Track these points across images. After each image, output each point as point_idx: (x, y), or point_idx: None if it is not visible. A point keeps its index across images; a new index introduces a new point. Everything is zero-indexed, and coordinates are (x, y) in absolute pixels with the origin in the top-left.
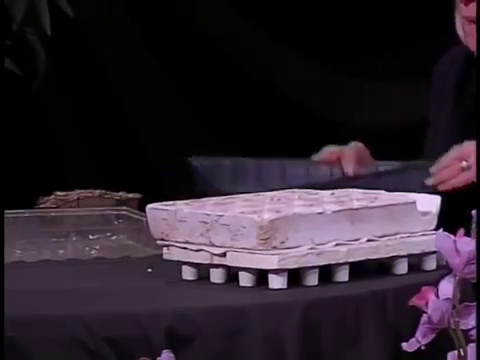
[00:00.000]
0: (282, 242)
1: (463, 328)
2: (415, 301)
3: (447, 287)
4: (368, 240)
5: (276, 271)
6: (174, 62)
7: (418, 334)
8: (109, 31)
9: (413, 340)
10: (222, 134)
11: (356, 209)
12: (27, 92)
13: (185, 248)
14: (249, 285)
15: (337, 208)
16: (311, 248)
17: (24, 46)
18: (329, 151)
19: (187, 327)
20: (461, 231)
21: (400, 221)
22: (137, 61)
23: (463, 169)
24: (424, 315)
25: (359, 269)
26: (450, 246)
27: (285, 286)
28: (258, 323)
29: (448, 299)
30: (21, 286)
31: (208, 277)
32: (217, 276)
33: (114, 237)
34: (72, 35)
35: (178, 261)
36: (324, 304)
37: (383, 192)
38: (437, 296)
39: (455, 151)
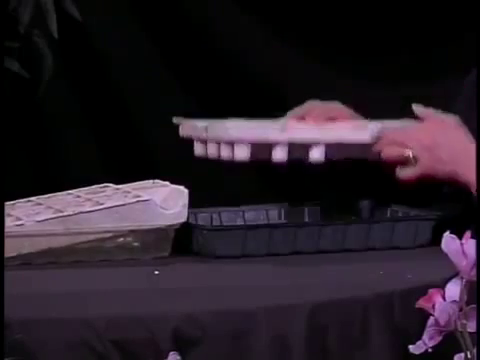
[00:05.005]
0: None
1: (470, 331)
2: (422, 303)
3: (454, 289)
4: None
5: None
6: (182, 65)
7: (425, 337)
8: (116, 34)
9: (420, 342)
10: None
11: None
12: (33, 95)
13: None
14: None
15: None
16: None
17: (31, 49)
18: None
19: (194, 329)
20: (468, 233)
21: None
22: (144, 64)
23: (406, 159)
24: (431, 317)
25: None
26: (457, 249)
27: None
28: (265, 325)
29: (455, 301)
30: (27, 288)
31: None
32: None
33: (121, 239)
34: (79, 38)
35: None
36: (331, 306)
37: None
38: (444, 298)
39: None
